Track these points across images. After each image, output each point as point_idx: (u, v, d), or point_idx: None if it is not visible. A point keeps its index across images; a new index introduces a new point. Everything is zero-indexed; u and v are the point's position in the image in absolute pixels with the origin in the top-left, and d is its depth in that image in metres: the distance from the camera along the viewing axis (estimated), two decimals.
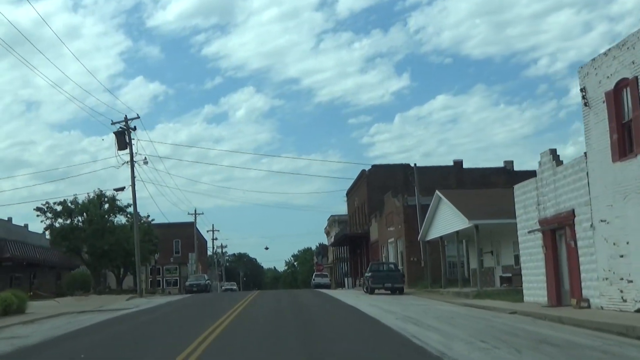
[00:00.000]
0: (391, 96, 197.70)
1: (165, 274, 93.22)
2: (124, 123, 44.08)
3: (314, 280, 70.67)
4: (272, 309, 26.45)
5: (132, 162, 44.40)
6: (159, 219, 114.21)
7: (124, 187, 45.34)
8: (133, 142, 44.57)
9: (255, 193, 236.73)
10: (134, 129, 44.53)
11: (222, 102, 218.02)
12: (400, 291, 37.78)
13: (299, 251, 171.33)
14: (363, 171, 67.79)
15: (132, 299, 42.58)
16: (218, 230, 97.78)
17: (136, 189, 46.33)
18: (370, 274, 38.10)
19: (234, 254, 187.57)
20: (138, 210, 71.73)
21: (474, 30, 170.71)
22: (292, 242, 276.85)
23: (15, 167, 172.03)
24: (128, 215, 59.37)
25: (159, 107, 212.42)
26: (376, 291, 38.13)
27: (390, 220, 52.49)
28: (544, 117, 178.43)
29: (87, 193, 57.60)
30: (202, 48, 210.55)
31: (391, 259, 53.95)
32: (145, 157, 45.00)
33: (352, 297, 35.50)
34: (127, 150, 44.40)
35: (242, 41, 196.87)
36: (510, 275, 33.17)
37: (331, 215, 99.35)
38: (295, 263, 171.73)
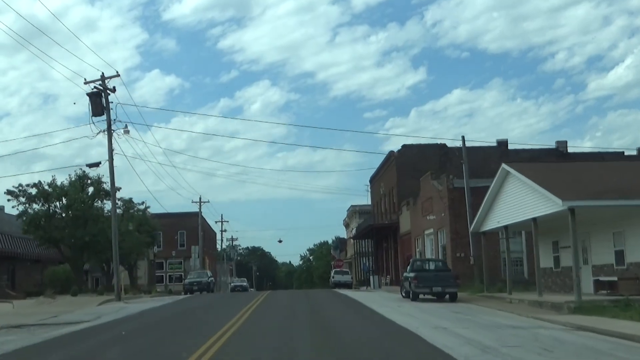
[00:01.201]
0: (407, 90, 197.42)
1: (169, 268, 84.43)
2: (99, 82, 34.93)
3: (333, 278, 61.32)
4: (281, 329, 17.19)
5: (109, 131, 35.27)
6: (157, 209, 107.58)
7: (100, 163, 36.22)
8: (112, 105, 35.35)
9: (271, 187, 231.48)
10: (113, 90, 35.42)
11: (237, 95, 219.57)
12: (453, 297, 28.41)
13: (314, 245, 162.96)
14: (391, 153, 58.27)
15: (106, 303, 33.50)
16: (227, 221, 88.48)
17: (127, 170, 37.24)
18: (413, 274, 28.71)
19: (247, 248, 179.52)
20: (133, 198, 62.87)
21: (491, 24, 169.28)
22: (307, 236, 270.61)
23: (34, 160, 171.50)
24: (117, 201, 50.29)
25: (175, 100, 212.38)
26: (420, 296, 28.81)
27: (428, 208, 43.00)
28: (561, 112, 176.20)
29: (69, 174, 48.66)
30: (217, 41, 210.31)
31: (428, 254, 44.46)
32: (126, 125, 35.89)
33: (389, 304, 26.23)
34: (105, 117, 35.22)
35: (257, 34, 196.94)
36: (615, 279, 23.62)
37: (351, 206, 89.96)
38: (310, 257, 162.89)
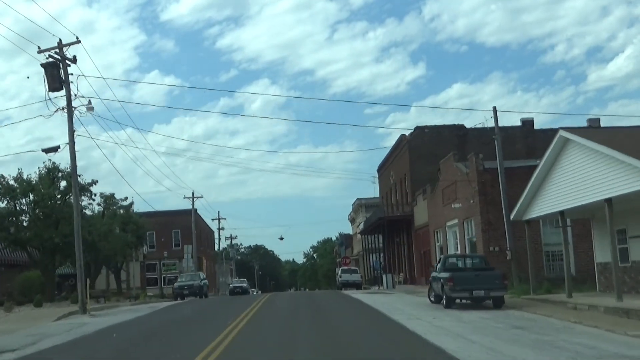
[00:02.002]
0: (407, 86, 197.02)
1: (163, 270, 78.26)
2: (56, 50, 28.65)
3: (340, 277, 55.08)
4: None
5: (69, 109, 28.95)
6: (145, 206, 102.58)
7: (58, 147, 29.88)
8: (71, 78, 29.06)
9: (272, 186, 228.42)
10: (74, 60, 29.12)
11: (237, 94, 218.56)
12: (499, 303, 22.24)
13: (318, 242, 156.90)
14: (403, 136, 52.00)
15: (68, 316, 27.28)
16: (224, 219, 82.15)
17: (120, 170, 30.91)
18: (447, 274, 22.44)
19: (250, 247, 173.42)
20: (111, 192, 56.49)
21: (489, 17, 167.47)
22: (311, 233, 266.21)
23: (35, 163, 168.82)
24: (93, 197, 44.11)
25: (174, 101, 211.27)
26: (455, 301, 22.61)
27: (451, 195, 36.77)
28: (562, 103, 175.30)
29: (38, 167, 42.41)
30: (216, 41, 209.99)
31: (451, 249, 38.22)
32: (90, 101, 29.57)
33: (419, 315, 20.06)
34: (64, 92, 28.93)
35: (255, 33, 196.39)
36: None
37: (357, 199, 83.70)
38: (314, 255, 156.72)
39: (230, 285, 77.34)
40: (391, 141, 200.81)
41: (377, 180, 70.34)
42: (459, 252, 36.81)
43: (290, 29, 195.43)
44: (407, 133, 51.79)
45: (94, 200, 44.03)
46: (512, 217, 27.21)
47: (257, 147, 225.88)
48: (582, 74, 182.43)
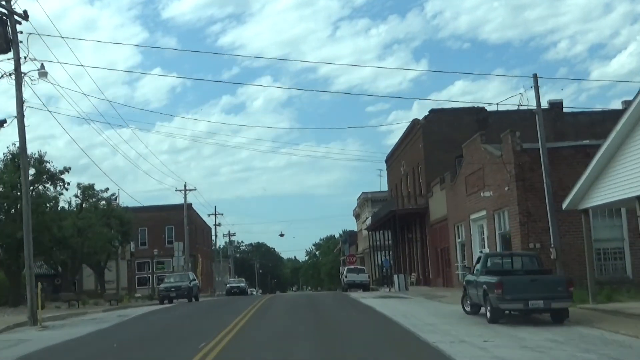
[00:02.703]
0: (409, 83, 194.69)
1: (156, 269, 72.87)
2: (2, 3, 23.19)
3: (346, 277, 49.66)
4: None
5: (18, 75, 23.46)
6: (137, 201, 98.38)
7: (4, 120, 24.41)
8: (21, 39, 23.61)
9: (275, 183, 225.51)
10: (24, 16, 23.68)
11: (239, 92, 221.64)
12: (562, 317, 16.78)
13: (321, 239, 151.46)
14: (415, 121, 46.48)
15: (12, 329, 21.84)
16: (221, 214, 76.77)
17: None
18: (493, 278, 16.93)
19: (251, 244, 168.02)
20: (94, 185, 50.87)
21: (492, 14, 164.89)
22: (313, 229, 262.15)
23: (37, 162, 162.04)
24: (65, 187, 38.62)
25: (177, 98, 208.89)
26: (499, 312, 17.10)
27: (477, 183, 31.29)
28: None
29: (3, 153, 36.95)
30: (218, 38, 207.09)
31: (476, 246, 32.77)
32: (42, 65, 24.12)
33: (460, 334, 14.74)
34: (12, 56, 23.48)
35: (258, 30, 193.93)
36: None
37: (362, 193, 78.22)
38: (317, 252, 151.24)
39: (227, 285, 71.97)
40: (394, 139, 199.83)
41: (384, 173, 64.93)
42: (486, 249, 31.32)
43: (293, 27, 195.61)
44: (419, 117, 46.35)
45: (66, 189, 38.51)
46: (564, 206, 21.68)
47: (259, 145, 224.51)
48: (585, 71, 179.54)
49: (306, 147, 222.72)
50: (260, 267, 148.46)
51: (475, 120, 43.23)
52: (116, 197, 53.87)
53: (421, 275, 47.33)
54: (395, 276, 41.28)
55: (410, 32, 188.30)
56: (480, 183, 30.56)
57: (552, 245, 24.56)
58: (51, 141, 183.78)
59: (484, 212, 30.65)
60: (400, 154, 51.67)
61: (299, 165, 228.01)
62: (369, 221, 57.60)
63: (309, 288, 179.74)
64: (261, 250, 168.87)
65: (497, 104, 28.94)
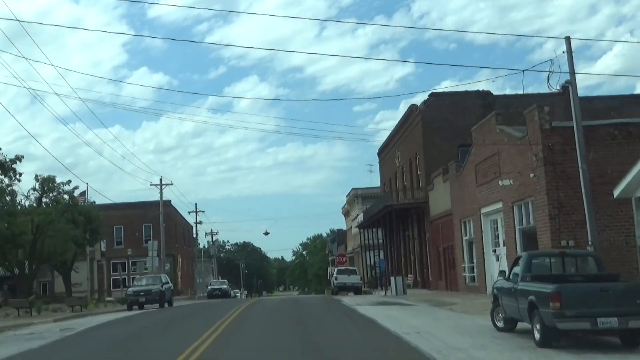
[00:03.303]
0: (396, 83, 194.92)
1: (132, 270, 67.85)
2: None
3: (336, 279, 44.91)
4: None
5: None
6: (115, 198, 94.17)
7: None
8: None
9: (261, 183, 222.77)
10: None
11: (226, 91, 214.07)
12: (635, 340, 12.15)
13: (308, 239, 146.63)
14: (413, 107, 41.87)
15: None
16: (202, 212, 71.83)
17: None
18: (549, 288, 12.24)
19: (237, 244, 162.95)
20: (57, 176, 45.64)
21: (478, 15, 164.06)
22: (300, 228, 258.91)
23: (23, 161, 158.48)
24: (17, 178, 33.71)
25: (163, 98, 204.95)
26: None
27: (490, 171, 26.74)
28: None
29: None
30: (204, 38, 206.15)
31: (488, 245, 28.22)
32: None
33: None
34: None
35: (244, 30, 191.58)
36: None
37: (352, 189, 73.58)
38: (304, 252, 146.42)
39: (209, 287, 67.10)
40: (381, 138, 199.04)
41: (374, 168, 60.49)
42: (501, 248, 26.81)
43: (280, 26, 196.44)
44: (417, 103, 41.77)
45: (18, 181, 33.62)
46: (616, 194, 17.15)
47: (246, 144, 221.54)
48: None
49: (293, 147, 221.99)
50: (245, 267, 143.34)
51: (480, 105, 38.85)
52: (84, 192, 49.05)
53: (419, 277, 42.77)
54: (392, 278, 36.61)
55: (397, 32, 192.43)
56: (495, 170, 26.00)
57: (590, 243, 19.99)
58: (37, 140, 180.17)
59: (499, 205, 26.08)
60: (395, 144, 47.07)
61: (285, 166, 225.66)
62: (360, 218, 52.99)
63: (296, 288, 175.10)
64: (247, 250, 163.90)
65: (524, 70, 24.26)
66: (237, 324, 19.54)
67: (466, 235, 31.48)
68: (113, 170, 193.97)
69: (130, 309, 35.97)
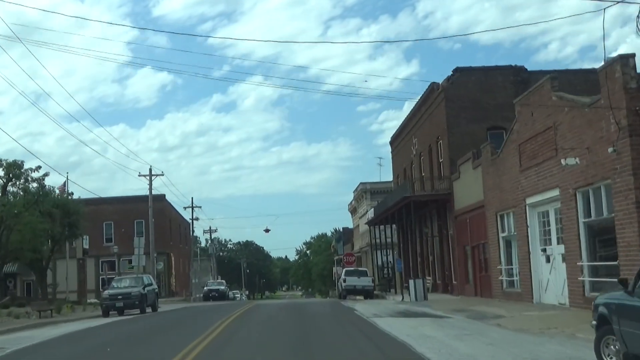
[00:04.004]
0: (400, 83, 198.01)
1: (122, 269, 62.47)
2: None
3: (344, 282, 39.47)
4: None
5: None
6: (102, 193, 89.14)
7: None
8: None
9: (265, 182, 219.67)
10: None
11: (230, 90, 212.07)
12: None
13: (312, 238, 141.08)
14: (434, 85, 36.38)
15: None
16: (199, 207, 66.40)
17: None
18: None
19: (239, 242, 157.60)
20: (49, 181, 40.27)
21: (483, 15, 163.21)
22: (304, 226, 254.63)
23: (27, 159, 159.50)
24: None
25: (167, 96, 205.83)
26: None
27: (542, 150, 21.22)
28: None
29: None
30: (208, 36, 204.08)
31: (537, 242, 22.69)
32: None
33: None
34: None
35: (249, 29, 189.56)
36: None
37: (361, 184, 68.13)
38: (307, 252, 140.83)
39: (205, 288, 61.71)
40: (385, 138, 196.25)
41: (384, 162, 55.05)
42: (557, 246, 21.33)
43: (284, 25, 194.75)
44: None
45: None
46: None
47: (250, 143, 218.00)
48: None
49: (297, 146, 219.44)
50: (248, 266, 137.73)
51: (513, 82, 33.43)
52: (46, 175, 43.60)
53: (439, 279, 37.33)
54: (411, 282, 31.13)
55: (402, 32, 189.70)
56: (550, 149, 20.49)
57: None
58: (41, 138, 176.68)
59: (554, 193, 20.55)
60: (412, 130, 41.57)
61: (289, 165, 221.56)
62: (370, 214, 47.47)
63: (299, 288, 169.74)
64: (250, 249, 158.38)
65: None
66: (218, 347, 14.10)
67: (504, 231, 25.97)
68: (115, 169, 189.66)
69: (106, 315, 30.67)
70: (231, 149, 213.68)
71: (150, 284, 33.09)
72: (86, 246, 46.82)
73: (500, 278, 26.17)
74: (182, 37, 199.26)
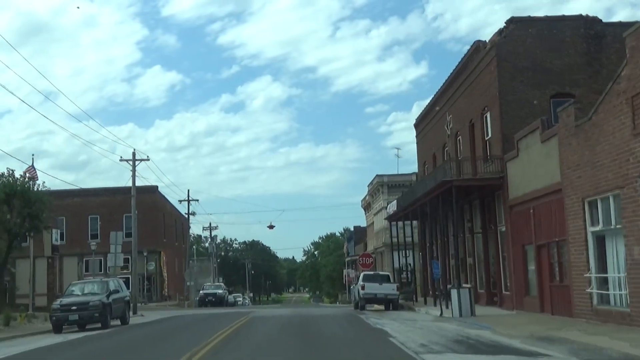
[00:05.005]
0: (409, 84, 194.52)
1: (109, 269, 55.05)
2: None
3: (362, 289, 31.83)
4: None
5: None
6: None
7: None
8: None
9: (273, 183, 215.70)
10: None
11: (239, 91, 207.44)
12: None
13: (320, 238, 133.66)
14: (479, 44, 28.84)
15: None
16: (197, 200, 59.03)
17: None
18: None
19: (245, 242, 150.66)
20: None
21: (493, 17, 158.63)
22: (311, 222, 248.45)
23: (35, 157, 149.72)
24: None
25: (176, 96, 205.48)
26: None
27: None
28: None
29: None
30: (217, 37, 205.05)
31: None
32: None
33: None
34: None
35: (258, 29, 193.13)
36: None
37: (377, 176, 60.58)
38: (315, 252, 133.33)
39: (201, 292, 54.34)
40: (393, 140, 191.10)
41: (402, 153, 47.45)
42: None
43: (293, 26, 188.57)
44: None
45: None
46: None
47: (258, 144, 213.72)
48: None
49: (305, 147, 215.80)
50: (253, 267, 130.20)
51: (583, 37, 25.86)
52: (32, 168, 36.40)
53: (480, 287, 29.70)
54: (454, 291, 23.57)
55: (411, 33, 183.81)
56: None
57: None
58: (49, 137, 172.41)
59: None
60: (445, 105, 34.00)
61: (297, 166, 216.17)
62: (393, 207, 39.85)
63: (306, 290, 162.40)
64: (256, 249, 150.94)
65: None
66: None
67: (595, 224, 18.38)
68: (123, 169, 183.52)
69: (58, 330, 23.39)
70: (239, 150, 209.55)
71: (118, 291, 25.61)
72: (56, 241, 39.52)
73: (588, 290, 18.55)
74: (192, 37, 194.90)
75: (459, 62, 30.97)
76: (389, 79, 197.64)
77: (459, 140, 31.87)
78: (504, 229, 26.12)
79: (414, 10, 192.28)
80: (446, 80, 34.00)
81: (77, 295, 24.33)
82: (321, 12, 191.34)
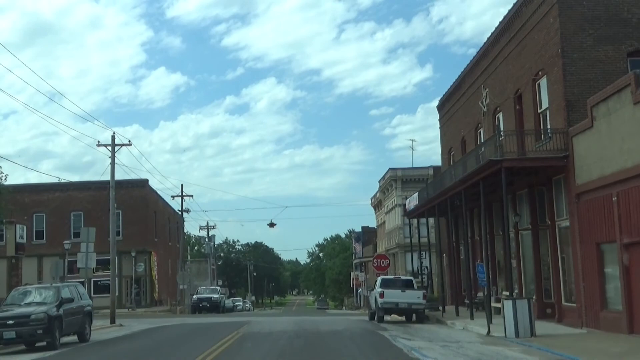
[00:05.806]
0: (414, 87, 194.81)
1: (95, 271, 49.35)
2: None
3: (381, 297, 25.92)
4: None
5: None
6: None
7: None
8: None
9: (277, 185, 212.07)
10: None
11: (243, 93, 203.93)
12: None
13: (325, 240, 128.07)
14: None
15: None
16: (191, 196, 53.25)
17: None
18: None
19: (248, 244, 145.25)
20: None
21: (497, 20, 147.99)
22: (316, 225, 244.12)
23: (40, 158, 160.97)
24: None
25: (180, 98, 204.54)
26: None
27: None
28: None
29: None
30: (222, 38, 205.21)
31: None
32: None
33: None
34: None
35: (262, 31, 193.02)
36: None
37: (390, 170, 54.73)
38: (320, 254, 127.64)
39: (194, 297, 48.68)
40: (397, 143, 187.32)
41: (416, 145, 41.59)
42: None
43: (298, 28, 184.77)
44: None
45: None
46: None
47: (262, 146, 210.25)
48: None
49: (309, 149, 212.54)
50: (256, 269, 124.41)
51: None
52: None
53: (530, 296, 23.76)
54: (509, 303, 17.79)
55: (416, 36, 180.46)
56: None
57: None
58: (55, 138, 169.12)
59: None
60: (479, 77, 28.19)
61: (301, 168, 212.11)
62: (413, 201, 34.02)
63: (310, 292, 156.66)
64: (259, 251, 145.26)
65: None
66: None
67: None
68: (128, 171, 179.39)
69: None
70: (244, 151, 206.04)
71: (73, 299, 19.78)
72: (20, 240, 33.86)
73: None
74: (196, 39, 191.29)
75: (500, 23, 25.17)
76: (394, 81, 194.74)
77: (500, 117, 26.06)
78: (566, 223, 20.29)
79: (419, 13, 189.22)
80: (480, 49, 28.23)
81: (15, 306, 18.61)
82: (326, 15, 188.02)
